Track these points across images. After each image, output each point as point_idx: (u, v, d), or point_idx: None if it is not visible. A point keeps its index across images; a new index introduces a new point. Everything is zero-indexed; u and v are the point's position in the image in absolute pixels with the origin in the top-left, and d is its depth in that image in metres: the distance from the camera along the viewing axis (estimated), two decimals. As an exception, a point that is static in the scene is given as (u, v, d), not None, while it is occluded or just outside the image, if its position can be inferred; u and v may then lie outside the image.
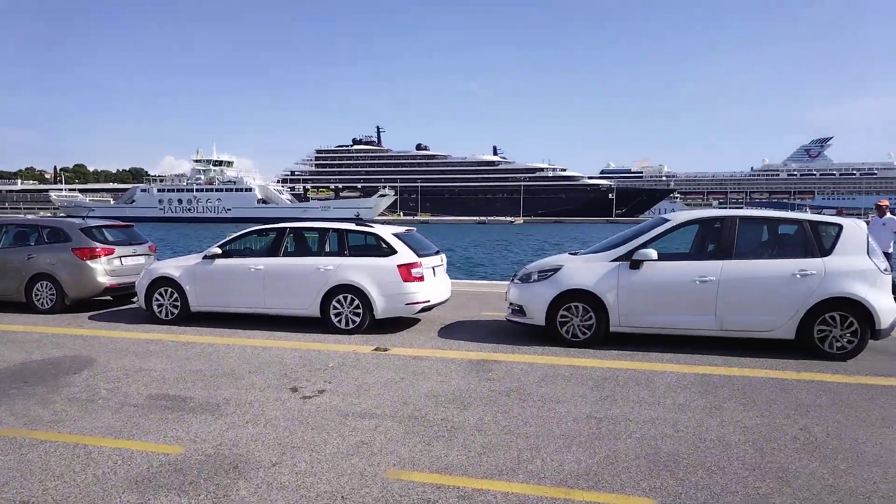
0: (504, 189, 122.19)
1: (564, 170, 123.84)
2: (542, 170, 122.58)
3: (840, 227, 6.89)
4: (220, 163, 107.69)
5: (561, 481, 3.70)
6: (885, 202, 10.95)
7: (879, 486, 3.65)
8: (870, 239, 6.84)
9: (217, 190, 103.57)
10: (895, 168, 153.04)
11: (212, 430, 4.52)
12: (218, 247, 8.79)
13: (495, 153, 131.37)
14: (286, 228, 8.77)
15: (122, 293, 10.21)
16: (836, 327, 6.55)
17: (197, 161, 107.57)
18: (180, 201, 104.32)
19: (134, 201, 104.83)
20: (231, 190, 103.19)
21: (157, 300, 8.77)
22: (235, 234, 9.12)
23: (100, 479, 3.74)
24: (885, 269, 6.69)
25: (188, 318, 8.70)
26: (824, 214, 7.75)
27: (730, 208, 8.29)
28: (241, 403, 5.13)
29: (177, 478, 3.73)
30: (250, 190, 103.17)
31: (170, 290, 8.72)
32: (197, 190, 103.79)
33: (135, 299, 10.49)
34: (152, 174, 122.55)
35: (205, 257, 8.70)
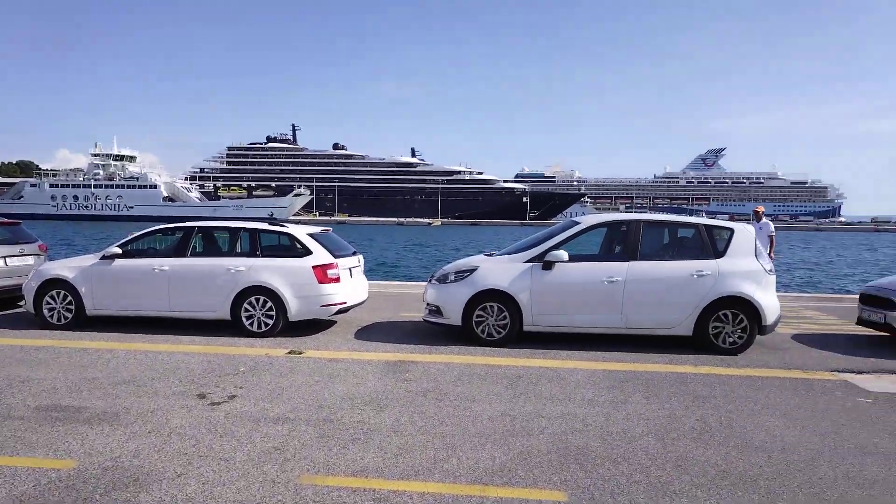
0: (422, 191, 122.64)
1: (481, 173, 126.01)
2: (459, 172, 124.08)
3: (732, 231, 7.43)
4: (121, 157, 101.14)
5: (476, 479, 3.76)
6: (761, 209, 12.04)
7: (765, 469, 3.97)
8: (757, 242, 7.42)
9: (118, 186, 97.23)
10: (779, 178, 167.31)
11: (110, 441, 4.23)
12: (118, 246, 8.25)
13: (413, 155, 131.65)
14: (194, 227, 8.36)
15: (6, 297, 9.36)
16: (729, 324, 7.06)
17: (95, 155, 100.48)
18: (76, 198, 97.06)
19: (22, 197, 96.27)
20: (134, 186, 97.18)
21: (49, 304, 8.11)
22: (138, 233, 8.60)
23: (-22, 500, 3.41)
24: (770, 270, 7.29)
25: (84, 322, 8.11)
26: (718, 219, 8.32)
27: (635, 212, 8.75)
28: (142, 412, 4.84)
29: (69, 495, 3.46)
30: (155, 187, 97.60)
31: (63, 292, 8.08)
32: (95, 186, 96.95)
33: (22, 303, 9.65)
34: (44, 168, 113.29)
35: (103, 257, 8.14)
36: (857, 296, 8.60)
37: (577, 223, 7.81)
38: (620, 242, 7.70)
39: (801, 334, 8.35)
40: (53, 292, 8.10)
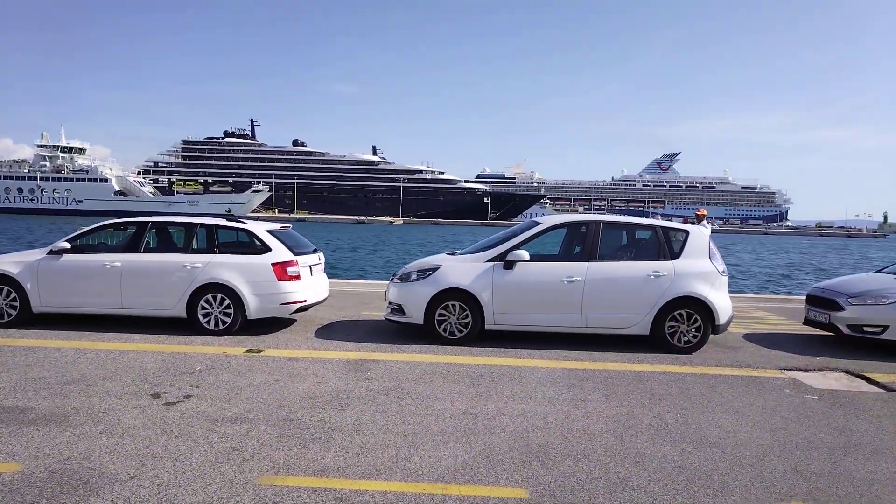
0: (383, 189, 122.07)
1: (443, 173, 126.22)
2: (420, 172, 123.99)
3: (687, 233, 7.63)
4: (69, 149, 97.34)
5: (438, 477, 3.75)
6: (703, 211, 12.44)
7: (719, 464, 4.09)
8: (711, 244, 7.64)
9: (66, 179, 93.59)
10: (730, 183, 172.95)
11: (58, 443, 4.06)
12: (66, 241, 7.93)
13: (375, 153, 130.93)
14: (147, 222, 8.10)
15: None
16: (684, 323, 7.25)
17: (42, 146, 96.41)
18: (20, 190, 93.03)
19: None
20: (83, 180, 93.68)
21: (-12, 301, 7.73)
22: (88, 228, 8.28)
23: (-87, 506, 3.22)
24: (723, 271, 7.51)
25: (30, 320, 7.76)
26: (673, 222, 8.54)
27: (594, 213, 8.92)
28: (93, 413, 4.66)
29: (12, 499, 3.30)
30: (106, 180, 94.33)
31: (6, 289, 7.72)
32: (42, 178, 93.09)
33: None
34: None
35: (50, 252, 7.81)
36: (804, 297, 8.96)
37: (538, 223, 7.90)
38: (580, 243, 7.81)
39: (752, 334, 8.65)
40: (-5, 290, 7.72)
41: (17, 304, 7.72)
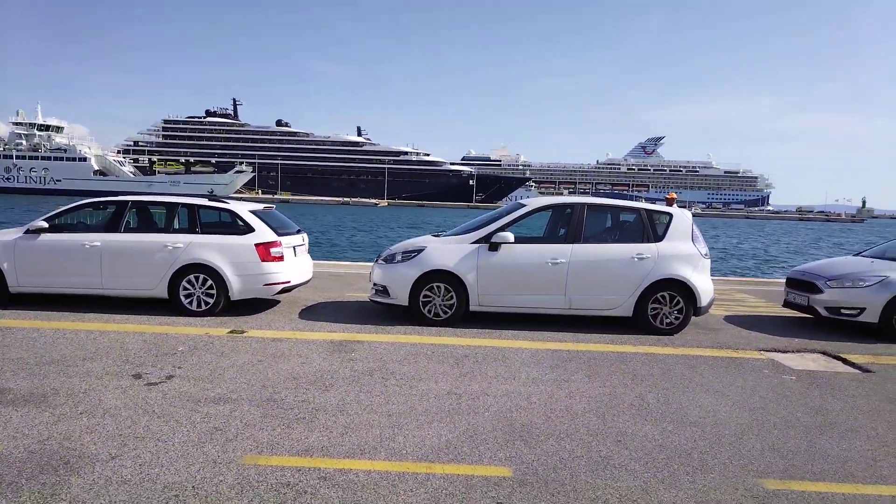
0: (368, 171, 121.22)
1: (428, 154, 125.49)
2: (406, 153, 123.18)
3: (671, 215, 7.67)
4: (46, 127, 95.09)
5: (422, 456, 3.77)
6: (673, 195, 12.48)
7: (699, 443, 4.16)
8: (694, 227, 7.69)
9: (44, 158, 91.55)
10: (713, 167, 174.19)
11: (36, 423, 4.01)
12: (44, 220, 7.77)
13: (359, 134, 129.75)
14: (128, 202, 7.96)
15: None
16: (666, 305, 7.32)
17: (17, 124, 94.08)
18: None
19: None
20: (61, 159, 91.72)
21: (-34, 280, 7.58)
22: (66, 207, 8.12)
23: None
24: (706, 254, 7.58)
25: (7, 300, 7.63)
26: (657, 205, 8.57)
27: (579, 196, 8.90)
28: (73, 393, 4.60)
29: (-9, 479, 3.26)
30: (85, 160, 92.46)
31: (-18, 269, 7.57)
32: (18, 157, 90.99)
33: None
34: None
35: (27, 231, 7.66)
36: (784, 280, 9.08)
37: (524, 205, 7.89)
38: (565, 225, 7.82)
39: (733, 316, 8.77)
40: (-29, 268, 7.57)
41: (-7, 284, 7.57)
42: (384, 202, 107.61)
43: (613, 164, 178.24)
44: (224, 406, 4.46)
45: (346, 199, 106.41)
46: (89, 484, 3.25)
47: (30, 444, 3.70)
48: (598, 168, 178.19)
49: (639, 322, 7.38)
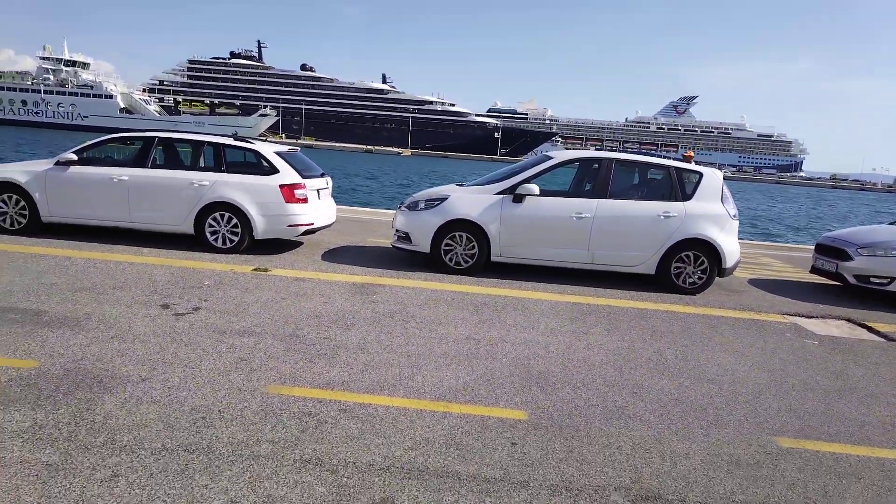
0: (392, 119, 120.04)
1: (453, 105, 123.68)
2: (431, 103, 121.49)
3: (700, 174, 7.51)
4: (73, 63, 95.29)
5: (440, 396, 3.85)
6: (691, 153, 12.07)
7: (715, 399, 4.18)
8: (724, 187, 7.53)
9: (71, 94, 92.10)
10: (746, 130, 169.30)
11: (71, 344, 4.16)
12: (73, 153, 7.86)
13: (384, 81, 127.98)
14: (154, 138, 7.99)
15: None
16: (690, 265, 7.25)
17: (44, 59, 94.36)
18: (24, 103, 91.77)
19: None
20: (88, 95, 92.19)
21: (1, 208, 7.75)
22: (94, 140, 8.19)
23: (-67, 395, 3.34)
24: (734, 216, 7.44)
25: (40, 229, 7.81)
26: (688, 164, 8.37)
27: (607, 151, 8.71)
28: (104, 319, 4.75)
29: (31, 392, 3.41)
30: (111, 97, 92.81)
31: (15, 197, 7.72)
32: (45, 92, 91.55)
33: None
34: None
35: (57, 163, 7.76)
36: (812, 246, 8.91)
37: (550, 158, 7.77)
38: (591, 180, 7.71)
39: (758, 279, 8.67)
40: (5, 196, 7.73)
41: (26, 212, 7.74)
42: (407, 151, 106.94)
43: (643, 122, 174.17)
44: (248, 338, 4.57)
45: (369, 146, 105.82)
46: (121, 402, 3.39)
47: (66, 363, 3.85)
48: (627, 126, 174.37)
49: (661, 280, 7.34)
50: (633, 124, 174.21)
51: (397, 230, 7.79)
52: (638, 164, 8.07)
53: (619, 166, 7.61)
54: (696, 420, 3.81)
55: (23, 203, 7.73)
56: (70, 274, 6.01)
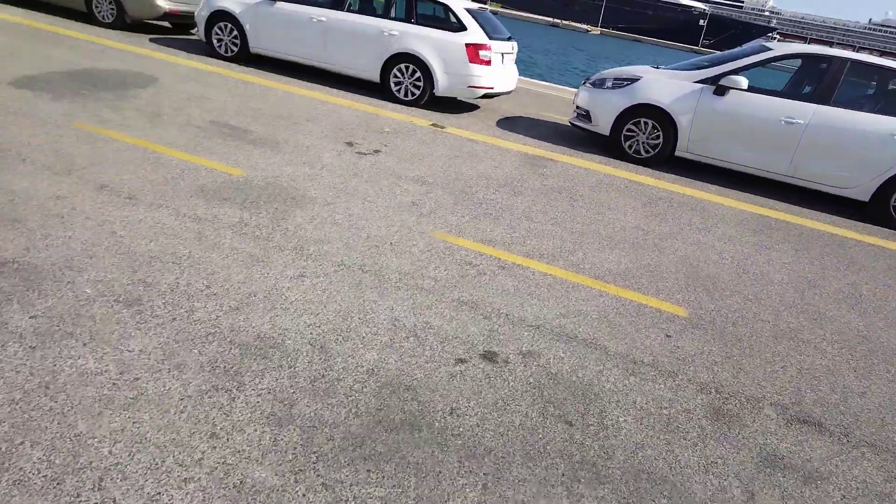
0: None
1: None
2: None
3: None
4: None
5: (599, 275, 3.80)
6: None
7: (910, 345, 3.69)
8: None
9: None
10: None
11: (271, 162, 4.63)
12: None
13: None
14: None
15: (180, 21, 9.91)
16: (916, 198, 6.17)
17: None
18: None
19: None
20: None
21: (217, 35, 8.50)
22: None
23: (169, 181, 3.94)
24: None
25: (248, 58, 8.52)
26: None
27: (841, 49, 7.35)
28: (298, 146, 5.19)
29: (239, 195, 3.90)
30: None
31: (229, 26, 8.40)
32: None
33: (194, 31, 10.27)
34: None
35: (268, -2, 8.22)
36: None
37: (769, 49, 6.74)
38: (814, 81, 6.64)
39: None
40: (221, 24, 8.43)
41: (238, 42, 8.43)
42: (596, 30, 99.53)
43: (891, 26, 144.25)
44: (422, 186, 4.77)
45: (556, 20, 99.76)
46: (310, 217, 3.77)
47: (266, 177, 4.31)
48: (869, 29, 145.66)
49: (875, 211, 6.36)
50: (878, 28, 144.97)
51: (578, 107, 7.42)
52: (879, 68, 6.76)
53: (852, 68, 6.43)
54: (884, 363, 3.41)
55: (235, 32, 8.40)
56: (271, 102, 6.56)
